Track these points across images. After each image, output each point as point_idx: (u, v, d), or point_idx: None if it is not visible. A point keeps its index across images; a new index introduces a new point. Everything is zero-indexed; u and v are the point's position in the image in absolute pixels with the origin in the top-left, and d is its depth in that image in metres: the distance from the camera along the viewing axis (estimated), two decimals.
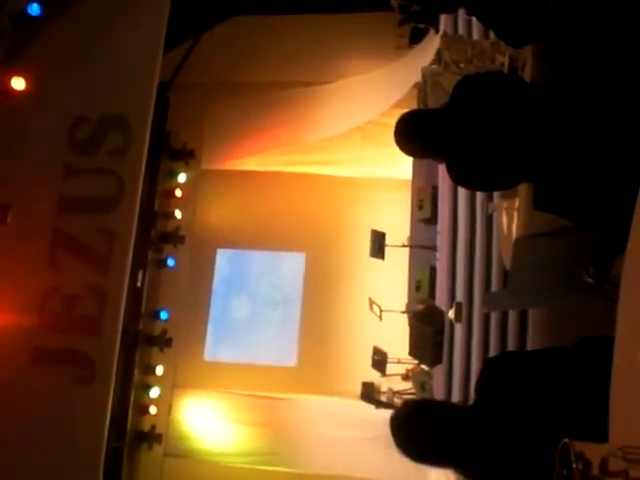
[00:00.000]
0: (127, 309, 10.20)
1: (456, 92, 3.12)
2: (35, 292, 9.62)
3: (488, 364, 2.88)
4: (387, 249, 11.01)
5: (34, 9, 9.88)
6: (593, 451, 1.47)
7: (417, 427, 2.60)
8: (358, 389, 11.00)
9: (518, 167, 3.02)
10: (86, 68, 9.98)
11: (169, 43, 10.33)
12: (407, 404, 2.71)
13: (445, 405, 3.15)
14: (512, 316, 7.25)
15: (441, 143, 3.08)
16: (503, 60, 7.06)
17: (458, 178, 3.27)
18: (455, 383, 8.54)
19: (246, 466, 11.76)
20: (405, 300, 10.90)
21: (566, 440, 1.46)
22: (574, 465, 1.43)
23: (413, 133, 3.14)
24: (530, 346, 6.62)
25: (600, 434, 1.93)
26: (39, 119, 9.91)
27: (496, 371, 2.78)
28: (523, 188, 4.15)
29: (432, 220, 10.08)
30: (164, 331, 12.14)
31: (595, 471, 1.46)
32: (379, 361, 10.89)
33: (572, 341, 2.81)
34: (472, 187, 4.83)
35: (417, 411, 2.68)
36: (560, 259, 3.68)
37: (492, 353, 7.48)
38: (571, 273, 3.47)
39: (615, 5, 3.23)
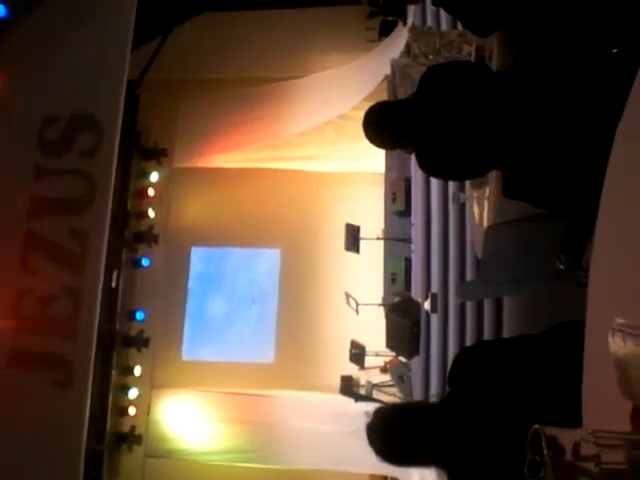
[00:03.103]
0: (103, 310, 10.13)
1: (423, 81, 3.11)
2: (9, 294, 9.53)
3: (459, 355, 2.89)
4: (362, 242, 11.03)
5: (0, 10, 9.78)
6: (565, 436, 1.47)
7: (387, 435, 2.63)
8: (337, 383, 11.00)
9: (486, 155, 3.02)
10: (54, 68, 9.89)
11: (137, 40, 10.25)
12: (377, 412, 2.74)
13: (413, 406, 3.17)
14: (487, 305, 7.28)
15: (409, 132, 3.07)
16: (470, 50, 7.09)
17: (427, 168, 3.27)
18: (433, 374, 8.57)
19: (227, 464, 11.73)
20: (381, 293, 10.91)
21: (537, 426, 1.45)
22: (545, 451, 1.43)
23: (380, 123, 3.13)
24: (506, 334, 6.65)
25: (576, 419, 1.94)
26: (8, 120, 9.82)
27: (468, 361, 2.78)
28: (493, 177, 4.17)
29: (406, 212, 10.11)
30: (141, 331, 12.08)
31: (568, 456, 1.45)
32: (357, 354, 10.90)
33: (547, 328, 2.82)
34: (441, 176, 4.84)
35: (386, 419, 2.71)
36: (531, 246, 3.69)
37: (469, 342, 7.51)
38: (543, 260, 3.48)
39: None
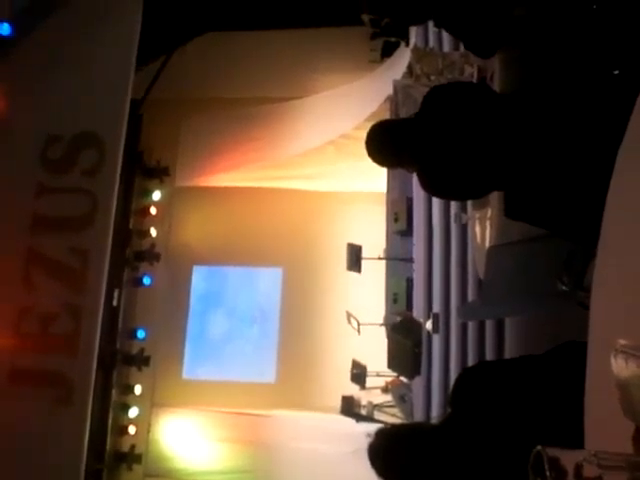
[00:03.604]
0: (104, 328, 10.11)
1: (426, 101, 3.12)
2: (10, 312, 9.52)
3: (461, 375, 2.89)
4: (363, 262, 11.01)
5: (4, 29, 9.81)
6: (568, 458, 1.46)
7: (389, 456, 2.64)
8: (338, 403, 10.95)
9: (488, 175, 3.03)
10: (58, 87, 9.92)
11: (141, 60, 10.30)
12: (379, 434, 2.74)
13: (415, 427, 3.18)
14: (489, 326, 7.27)
15: (411, 151, 3.08)
16: (472, 71, 7.12)
17: (429, 187, 3.27)
18: (434, 394, 8.54)
19: None
20: (383, 313, 10.89)
21: (539, 447, 1.45)
22: (548, 473, 1.42)
23: (383, 140, 3.15)
24: (508, 355, 6.63)
25: (578, 440, 1.93)
26: (11, 138, 9.84)
27: (469, 381, 2.78)
28: (494, 197, 4.17)
29: (408, 232, 10.12)
30: (142, 350, 12.04)
31: (570, 478, 1.44)
32: (358, 374, 10.87)
33: (549, 349, 2.81)
34: (443, 196, 4.84)
35: (387, 440, 2.72)
36: (533, 267, 3.69)
37: (470, 363, 7.48)
38: (544, 281, 3.47)
39: (582, 15, 3.25)
